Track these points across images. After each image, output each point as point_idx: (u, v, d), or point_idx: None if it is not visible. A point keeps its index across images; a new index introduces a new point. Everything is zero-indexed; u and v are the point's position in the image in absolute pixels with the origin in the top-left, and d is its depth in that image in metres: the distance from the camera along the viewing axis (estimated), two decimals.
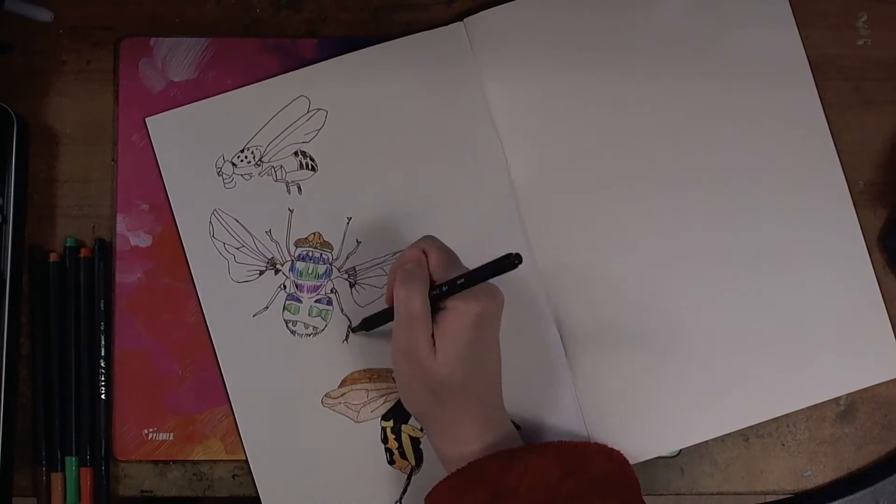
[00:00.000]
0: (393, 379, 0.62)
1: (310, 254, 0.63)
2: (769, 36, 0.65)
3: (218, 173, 0.64)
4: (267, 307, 0.63)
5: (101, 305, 0.62)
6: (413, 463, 0.62)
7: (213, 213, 0.63)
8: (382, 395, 0.62)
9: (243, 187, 0.64)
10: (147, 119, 0.64)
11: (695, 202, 0.64)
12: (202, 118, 0.64)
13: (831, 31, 0.66)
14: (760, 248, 0.63)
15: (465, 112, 0.64)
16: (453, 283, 0.52)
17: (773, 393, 0.63)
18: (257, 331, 0.63)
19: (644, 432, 0.62)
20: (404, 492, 0.61)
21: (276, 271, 0.63)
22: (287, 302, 0.63)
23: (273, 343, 0.62)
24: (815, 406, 0.63)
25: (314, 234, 0.64)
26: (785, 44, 0.65)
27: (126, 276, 0.63)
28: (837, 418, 0.64)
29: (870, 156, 0.65)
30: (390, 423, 0.62)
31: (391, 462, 0.62)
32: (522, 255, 0.49)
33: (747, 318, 0.63)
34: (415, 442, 0.62)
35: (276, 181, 0.64)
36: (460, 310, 0.53)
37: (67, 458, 0.62)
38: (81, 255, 0.63)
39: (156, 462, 0.63)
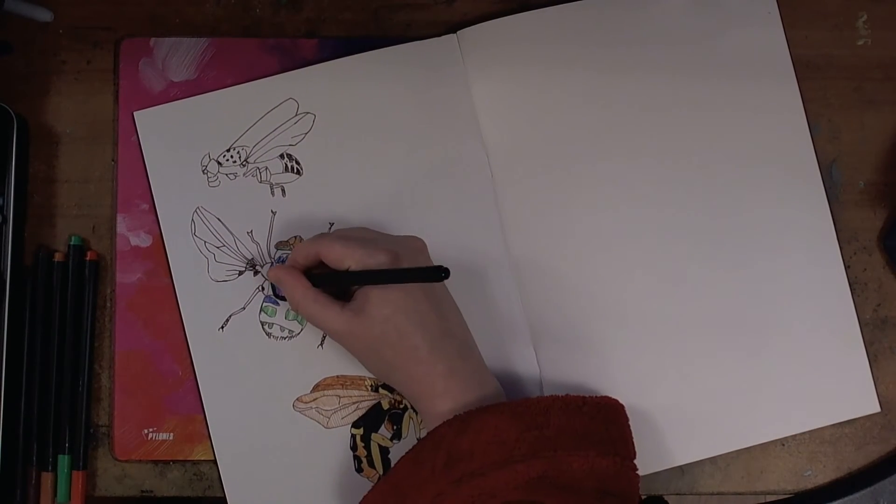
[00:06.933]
0: (366, 387, 0.62)
1: None
2: (755, 35, 0.65)
3: (203, 171, 0.64)
4: (244, 308, 0.63)
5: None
6: (381, 472, 0.61)
7: (195, 210, 0.63)
8: (354, 402, 0.62)
9: (227, 187, 0.64)
10: (135, 113, 0.64)
11: (683, 213, 0.64)
12: (190, 115, 0.64)
13: (831, 31, 0.66)
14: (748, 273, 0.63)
15: (452, 123, 0.64)
16: (369, 274, 0.56)
17: (743, 423, 0.62)
18: (233, 331, 0.62)
19: None
20: None
21: (256, 272, 0.63)
22: (264, 304, 0.63)
23: (248, 344, 0.62)
24: None
25: (295, 237, 0.63)
26: (770, 43, 0.65)
27: (126, 276, 0.63)
28: None
29: (870, 156, 0.65)
30: (360, 431, 0.62)
31: (359, 470, 0.61)
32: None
33: (729, 341, 0.63)
34: (384, 451, 0.62)
35: (260, 182, 0.64)
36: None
37: (60, 457, 0.62)
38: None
39: (156, 462, 0.63)
